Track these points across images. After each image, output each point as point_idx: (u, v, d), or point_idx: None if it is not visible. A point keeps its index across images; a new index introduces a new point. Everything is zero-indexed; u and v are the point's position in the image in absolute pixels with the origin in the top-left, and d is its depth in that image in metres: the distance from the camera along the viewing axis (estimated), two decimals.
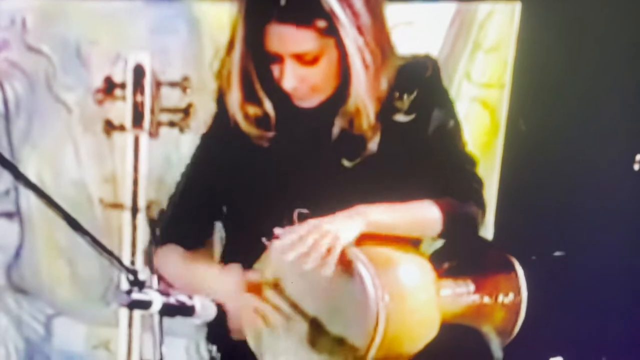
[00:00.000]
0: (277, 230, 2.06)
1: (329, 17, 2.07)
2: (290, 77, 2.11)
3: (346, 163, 2.16)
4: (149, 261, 2.21)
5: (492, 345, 2.12)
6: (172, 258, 2.17)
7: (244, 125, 2.17)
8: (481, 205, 2.21)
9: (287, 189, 2.17)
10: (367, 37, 2.10)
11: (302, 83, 2.13)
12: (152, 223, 2.42)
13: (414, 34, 2.98)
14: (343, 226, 2.05)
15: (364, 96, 2.12)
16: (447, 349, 2.08)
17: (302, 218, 2.12)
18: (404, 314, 2.04)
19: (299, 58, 2.11)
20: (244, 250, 2.15)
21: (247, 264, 2.13)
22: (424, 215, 2.15)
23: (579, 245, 2.79)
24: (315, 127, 2.18)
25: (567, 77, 2.89)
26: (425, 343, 2.08)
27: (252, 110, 2.17)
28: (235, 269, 2.13)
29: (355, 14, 2.08)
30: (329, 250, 2.02)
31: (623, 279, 2.77)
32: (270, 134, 2.18)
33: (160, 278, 2.03)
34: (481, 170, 2.26)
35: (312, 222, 2.06)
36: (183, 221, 2.21)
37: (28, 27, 3.18)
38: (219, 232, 2.27)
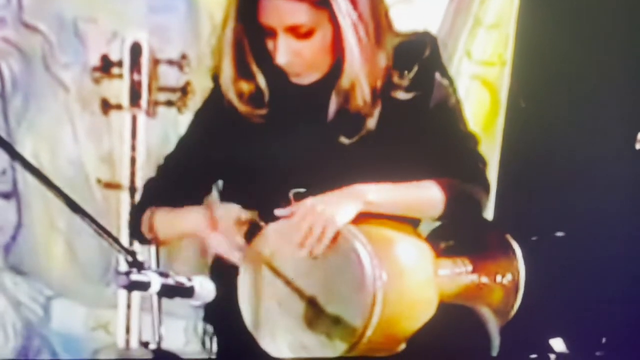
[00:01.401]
0: (277, 212, 2.06)
1: None
2: (284, 52, 2.10)
3: (344, 141, 2.15)
4: (131, 226, 2.22)
5: (490, 326, 2.12)
6: (162, 214, 2.17)
7: (236, 102, 2.16)
8: (485, 185, 2.20)
9: (284, 166, 2.16)
10: (361, 12, 2.09)
11: (297, 57, 2.12)
12: None
13: (413, 11, 2.96)
14: (339, 208, 2.04)
15: (358, 72, 2.11)
16: (445, 328, 2.07)
17: (299, 198, 2.11)
18: (401, 294, 2.04)
19: (293, 31, 2.09)
20: None
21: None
22: (424, 196, 2.14)
23: (579, 225, 2.78)
24: (312, 104, 2.17)
25: (569, 54, 2.87)
26: (423, 323, 2.07)
27: (245, 86, 2.16)
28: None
29: None
30: (323, 232, 2.01)
31: (623, 260, 2.76)
32: (263, 111, 2.16)
33: (150, 239, 2.05)
34: (482, 149, 2.25)
35: (307, 203, 2.05)
36: (168, 186, 2.21)
37: (24, 4, 3.16)
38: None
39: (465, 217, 2.18)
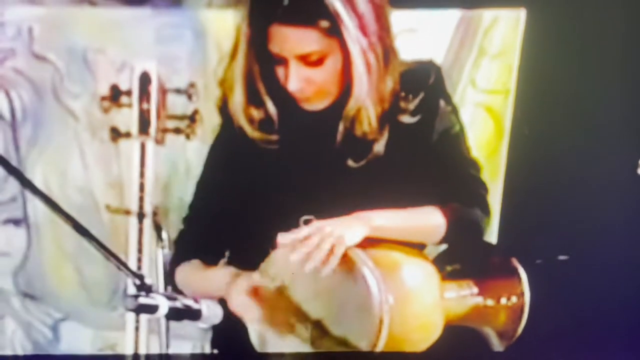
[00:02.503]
0: (280, 237, 2.08)
1: (333, 17, 2.08)
2: (295, 79, 2.12)
3: (352, 164, 2.17)
4: (168, 278, 2.25)
5: (494, 348, 2.13)
6: (191, 274, 2.19)
7: (247, 128, 2.18)
8: (486, 210, 2.22)
9: (294, 191, 2.18)
10: (370, 39, 2.12)
11: (308, 84, 2.14)
12: (158, 228, 2.44)
13: (417, 41, 3.00)
14: (347, 229, 2.06)
15: (365, 98, 2.13)
16: (450, 350, 2.08)
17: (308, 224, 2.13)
18: (407, 317, 2.05)
19: (304, 59, 2.12)
20: (250, 253, 2.16)
21: (253, 267, 2.14)
22: (427, 222, 2.16)
23: (582, 249, 2.80)
24: (322, 129, 2.19)
25: (572, 83, 2.90)
26: (429, 345, 2.09)
27: (256, 113, 2.18)
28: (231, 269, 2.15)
29: (358, 15, 2.10)
30: (331, 250, 2.03)
31: (627, 284, 2.77)
32: (274, 137, 2.19)
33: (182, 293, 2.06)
34: (486, 176, 2.27)
35: (316, 224, 2.07)
36: (201, 237, 2.22)
37: (35, 36, 3.19)
38: None
39: (465, 241, 2.20)
